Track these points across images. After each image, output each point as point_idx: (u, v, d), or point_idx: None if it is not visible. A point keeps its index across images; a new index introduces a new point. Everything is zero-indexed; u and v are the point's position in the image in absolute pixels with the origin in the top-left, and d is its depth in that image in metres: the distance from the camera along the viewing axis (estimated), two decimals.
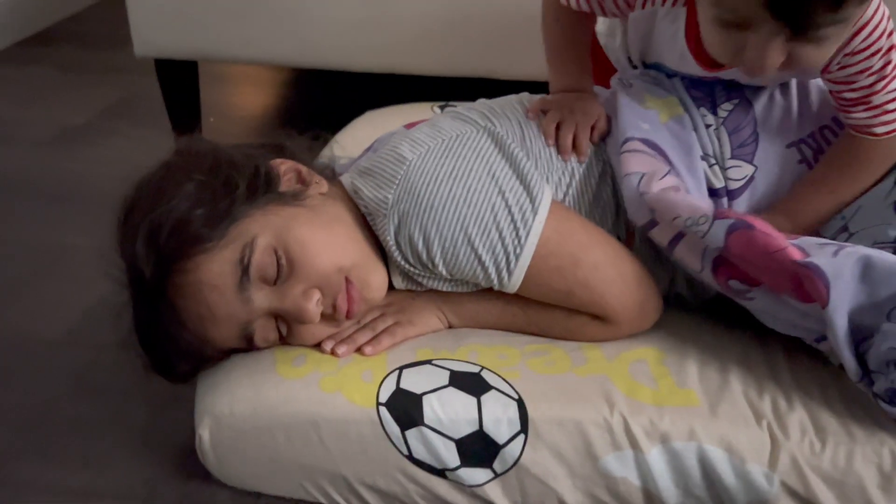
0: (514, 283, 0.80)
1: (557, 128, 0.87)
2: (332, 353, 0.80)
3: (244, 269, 0.75)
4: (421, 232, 0.78)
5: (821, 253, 0.72)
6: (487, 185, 0.79)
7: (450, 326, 0.86)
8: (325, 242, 0.79)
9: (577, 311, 0.82)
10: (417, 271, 0.82)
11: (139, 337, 0.80)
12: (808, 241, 0.75)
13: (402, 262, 0.81)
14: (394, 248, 0.80)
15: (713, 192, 0.85)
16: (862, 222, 0.82)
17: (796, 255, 0.72)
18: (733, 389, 0.76)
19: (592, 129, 0.87)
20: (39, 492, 0.85)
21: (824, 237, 0.82)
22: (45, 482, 0.86)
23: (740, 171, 0.86)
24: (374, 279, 0.82)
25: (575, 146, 0.86)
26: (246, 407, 0.78)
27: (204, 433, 0.78)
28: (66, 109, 1.82)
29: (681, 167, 0.84)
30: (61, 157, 1.62)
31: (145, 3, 1.48)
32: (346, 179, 0.87)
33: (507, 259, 0.79)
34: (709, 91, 0.89)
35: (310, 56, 1.50)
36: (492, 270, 0.79)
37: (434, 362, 0.80)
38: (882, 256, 0.71)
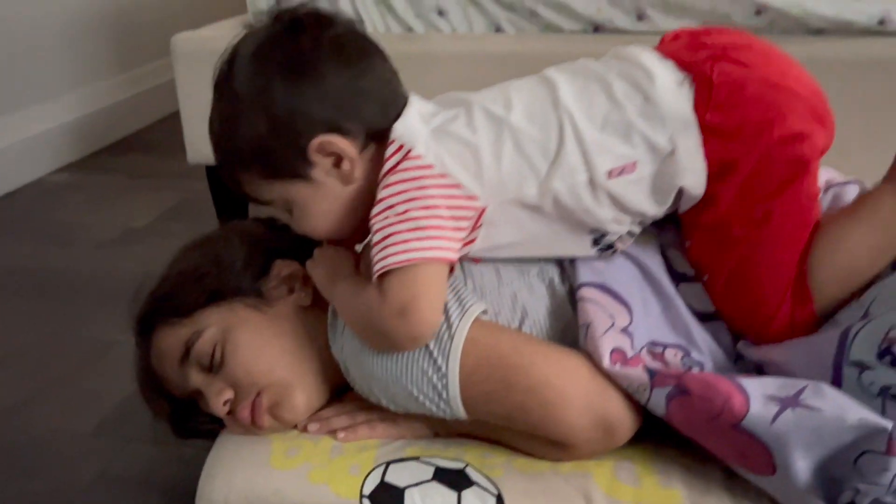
0: (458, 414, 0.77)
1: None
2: (303, 430, 0.84)
3: (187, 350, 0.83)
4: (363, 378, 0.80)
5: (763, 411, 0.68)
6: None
7: (436, 435, 0.85)
8: (254, 354, 0.83)
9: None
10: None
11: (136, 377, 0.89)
12: (759, 386, 0.71)
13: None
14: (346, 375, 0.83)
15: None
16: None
17: (738, 410, 0.69)
18: (718, 492, 0.75)
19: None
20: None
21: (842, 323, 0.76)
22: None
23: None
24: (295, 402, 0.83)
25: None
26: (239, 497, 0.80)
27: None
28: (130, 212, 1.96)
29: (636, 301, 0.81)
30: (119, 257, 1.73)
31: (197, 117, 1.60)
32: None
33: (439, 393, 0.76)
34: None
35: None
36: (432, 407, 0.77)
37: (422, 459, 0.81)
38: (824, 413, 0.67)
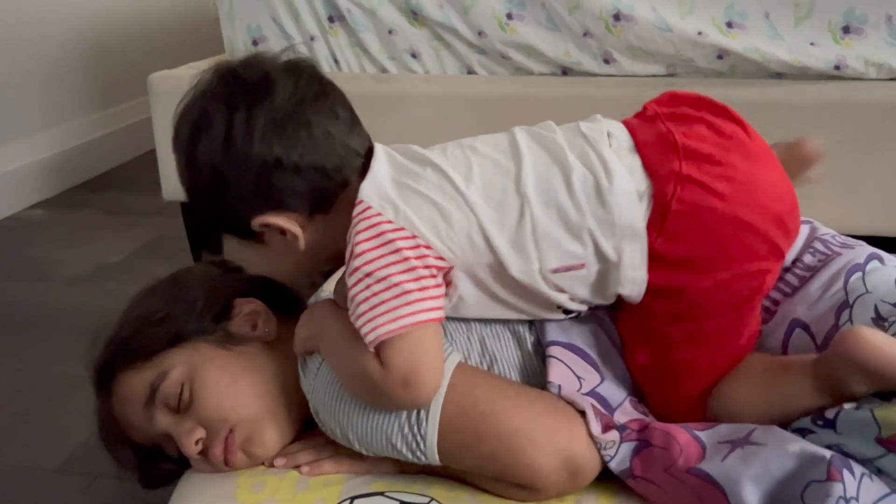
0: (433, 462, 0.77)
1: None
2: (270, 465, 0.84)
3: (152, 393, 0.83)
4: (336, 423, 0.79)
5: (715, 455, 0.71)
6: None
7: (402, 471, 0.84)
8: (223, 391, 0.83)
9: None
10: None
11: (98, 428, 0.89)
12: (714, 434, 0.74)
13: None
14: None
15: None
16: None
17: (692, 459, 0.71)
18: None
19: None
20: None
21: None
22: None
23: None
24: (267, 437, 0.84)
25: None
26: None
27: None
28: (104, 249, 1.97)
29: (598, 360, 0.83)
30: (92, 292, 1.73)
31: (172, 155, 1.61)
32: None
33: (417, 442, 0.76)
34: None
35: None
36: (408, 454, 0.77)
37: (387, 494, 0.81)
38: (768, 445, 0.69)
